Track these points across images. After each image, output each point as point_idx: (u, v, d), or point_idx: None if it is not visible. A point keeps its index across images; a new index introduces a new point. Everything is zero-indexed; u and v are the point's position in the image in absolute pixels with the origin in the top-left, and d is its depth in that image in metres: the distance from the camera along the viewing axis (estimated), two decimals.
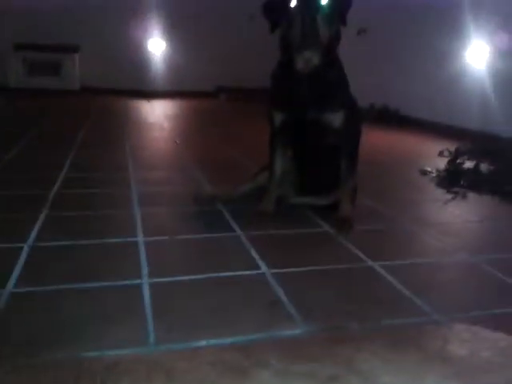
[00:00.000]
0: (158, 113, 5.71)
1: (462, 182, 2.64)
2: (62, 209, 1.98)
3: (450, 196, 2.43)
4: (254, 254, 1.59)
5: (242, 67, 7.78)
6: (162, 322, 1.17)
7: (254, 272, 1.46)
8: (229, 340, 1.11)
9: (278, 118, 1.90)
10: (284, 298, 1.30)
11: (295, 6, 1.70)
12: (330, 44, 1.77)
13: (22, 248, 1.57)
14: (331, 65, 1.83)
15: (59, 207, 2.00)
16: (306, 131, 1.90)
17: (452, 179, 2.68)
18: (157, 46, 7.83)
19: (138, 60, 7.72)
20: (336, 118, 1.84)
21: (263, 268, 1.48)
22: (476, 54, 4.37)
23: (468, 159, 3.20)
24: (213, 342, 1.10)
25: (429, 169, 2.94)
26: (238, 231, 1.79)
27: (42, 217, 1.87)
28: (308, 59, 1.76)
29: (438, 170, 2.88)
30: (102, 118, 5.13)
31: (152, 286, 1.35)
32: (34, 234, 1.68)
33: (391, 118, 5.26)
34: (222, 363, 0.99)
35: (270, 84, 1.96)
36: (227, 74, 7.89)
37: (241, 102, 7.09)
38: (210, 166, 2.91)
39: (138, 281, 1.37)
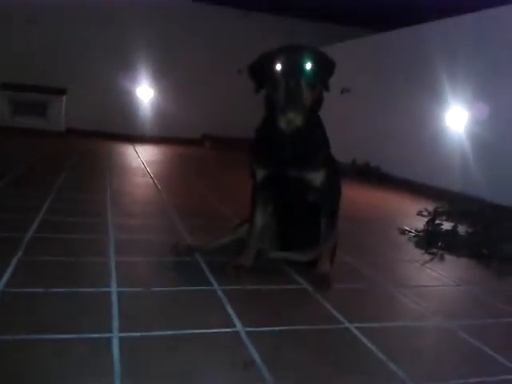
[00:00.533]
0: (143, 158, 5.73)
1: (439, 244, 2.66)
2: (36, 253, 1.93)
3: (427, 257, 2.45)
4: (229, 310, 1.56)
5: (228, 117, 7.93)
6: (129, 381, 1.12)
7: (229, 330, 1.43)
8: None
9: (260, 173, 1.92)
10: (258, 360, 1.27)
11: (280, 70, 1.76)
12: (312, 106, 1.83)
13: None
14: (313, 125, 1.88)
15: (33, 251, 1.95)
16: (287, 188, 1.91)
17: (430, 240, 2.71)
18: (145, 93, 7.95)
19: (125, 105, 7.82)
20: (317, 177, 1.86)
21: (238, 326, 1.45)
22: (455, 118, 4.52)
23: (446, 220, 3.25)
24: None
25: (407, 228, 2.97)
26: (215, 285, 1.76)
27: (14, 260, 1.82)
28: (291, 120, 1.82)
29: (416, 230, 2.91)
30: (86, 160, 5.12)
31: (122, 340, 1.31)
32: (5, 279, 1.64)
33: (372, 175, 5.36)
34: None
35: (253, 138, 1.99)
36: (213, 122, 8.02)
37: (224, 150, 7.17)
38: (191, 213, 2.90)
39: (108, 334, 1.33)
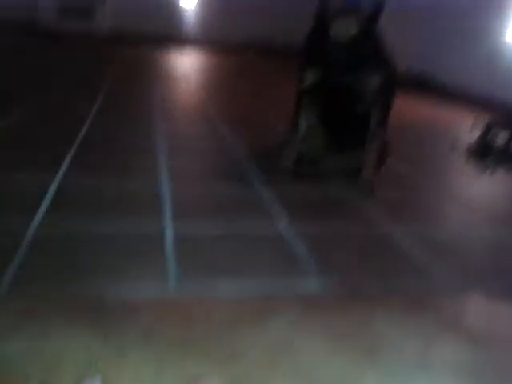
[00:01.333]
0: (186, 65, 5.66)
1: (492, 157, 2.58)
2: (89, 149, 2.00)
3: (479, 170, 2.38)
4: (275, 210, 1.59)
5: (276, 23, 7.60)
6: (182, 266, 1.19)
7: (274, 228, 1.47)
8: (247, 289, 1.12)
9: (310, 76, 1.86)
10: (303, 255, 1.31)
11: None
12: (370, 15, 1.72)
13: (50, 184, 1.60)
14: (369, 35, 1.78)
15: (87, 148, 2.03)
16: (337, 96, 1.86)
17: (483, 153, 2.62)
18: None
19: (171, 9, 7.62)
20: (370, 82, 1.80)
21: (283, 224, 1.49)
22: None
23: (501, 133, 3.12)
24: (231, 289, 1.12)
25: (461, 140, 2.87)
26: (261, 187, 1.79)
27: (69, 155, 1.89)
28: (345, 28, 1.72)
29: (469, 143, 2.82)
30: (130, 67, 5.10)
31: (175, 228, 1.37)
32: (62, 171, 1.72)
33: (427, 84, 5.13)
34: (238, 310, 1.01)
35: (304, 45, 1.91)
36: (260, 28, 7.72)
37: (270, 58, 6.98)
38: (238, 121, 2.89)
39: (161, 223, 1.40)
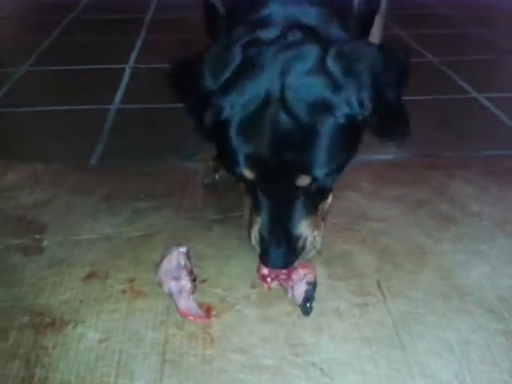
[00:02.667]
0: None
1: None
2: (156, 33, 1.99)
3: None
4: None
5: None
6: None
7: None
8: None
9: None
10: None
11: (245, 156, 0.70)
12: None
13: (124, 69, 1.63)
14: None
15: (154, 32, 2.01)
16: None
17: None
18: None
19: None
20: None
21: None
22: None
23: None
24: None
25: None
26: None
27: (139, 40, 1.90)
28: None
29: None
30: None
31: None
32: (133, 57, 1.74)
33: None
34: None
35: None
36: None
37: None
38: None
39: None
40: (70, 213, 0.94)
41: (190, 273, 0.74)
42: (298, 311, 0.70)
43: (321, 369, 0.62)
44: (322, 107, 0.63)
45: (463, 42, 1.79)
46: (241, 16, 0.75)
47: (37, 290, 0.76)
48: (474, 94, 1.45)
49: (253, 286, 0.75)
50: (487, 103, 1.40)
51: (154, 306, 0.72)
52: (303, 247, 0.71)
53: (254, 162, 0.65)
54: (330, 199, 0.80)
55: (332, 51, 0.65)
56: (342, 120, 0.64)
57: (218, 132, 0.69)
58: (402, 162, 1.11)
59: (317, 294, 0.71)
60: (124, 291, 0.75)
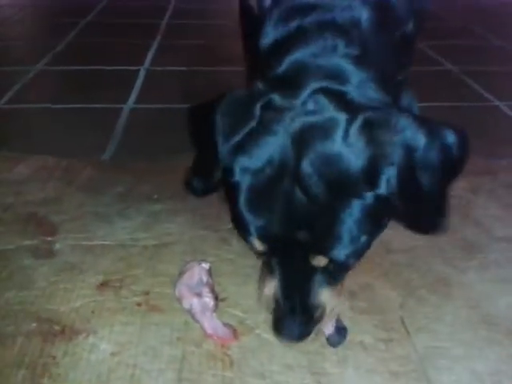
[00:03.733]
0: None
1: None
2: (172, 38, 1.98)
3: None
4: None
5: None
6: None
7: None
8: None
9: None
10: None
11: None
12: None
13: (139, 70, 1.61)
14: None
15: (170, 36, 2.00)
16: None
17: None
18: None
19: None
20: None
21: None
22: None
23: None
24: None
25: None
26: None
27: (155, 43, 1.88)
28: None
29: None
30: None
31: None
32: (149, 59, 1.72)
33: None
34: None
35: None
36: None
37: None
38: None
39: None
40: (82, 214, 0.91)
41: (212, 290, 0.71)
42: (321, 340, 0.66)
43: None
44: (342, 185, 0.56)
45: (484, 53, 1.80)
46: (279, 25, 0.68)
47: (47, 296, 0.72)
48: (496, 102, 1.45)
49: None
50: (510, 112, 1.39)
51: (170, 321, 0.69)
52: (320, 317, 0.63)
53: (265, 236, 0.59)
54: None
55: (359, 120, 0.56)
56: (365, 201, 0.56)
57: (227, 193, 0.63)
58: None
59: None
60: (139, 304, 0.71)
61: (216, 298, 0.70)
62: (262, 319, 0.69)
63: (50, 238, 0.84)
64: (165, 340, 0.66)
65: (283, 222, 0.57)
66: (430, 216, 0.62)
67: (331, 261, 0.58)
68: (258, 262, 0.72)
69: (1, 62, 1.68)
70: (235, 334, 0.67)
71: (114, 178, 1.02)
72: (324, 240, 0.57)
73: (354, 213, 0.56)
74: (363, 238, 0.58)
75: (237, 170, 0.59)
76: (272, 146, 0.57)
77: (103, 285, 0.74)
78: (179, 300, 0.70)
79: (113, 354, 0.64)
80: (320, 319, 0.63)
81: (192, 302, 0.68)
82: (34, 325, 0.67)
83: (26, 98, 1.40)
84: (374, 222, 0.59)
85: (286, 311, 0.62)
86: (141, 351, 0.64)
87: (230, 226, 0.86)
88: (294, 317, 0.61)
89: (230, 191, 0.61)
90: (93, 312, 0.70)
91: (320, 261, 0.59)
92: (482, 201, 0.98)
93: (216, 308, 0.69)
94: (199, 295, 0.69)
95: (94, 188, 0.98)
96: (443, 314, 0.73)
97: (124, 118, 1.29)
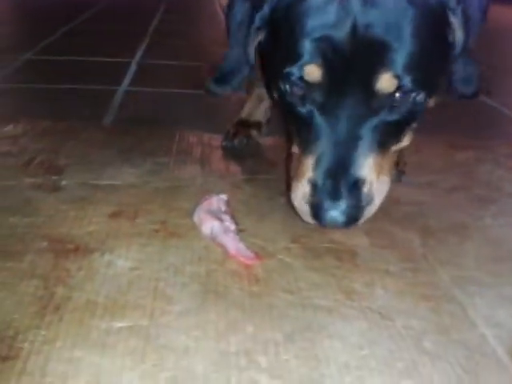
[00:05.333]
0: None
1: None
2: (160, 38, 2.02)
3: None
4: None
5: None
6: None
7: None
8: None
9: None
10: None
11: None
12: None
13: (130, 63, 1.62)
14: None
15: (158, 37, 2.04)
16: None
17: None
18: None
19: None
20: None
21: None
22: None
23: None
24: None
25: None
26: None
27: (146, 40, 1.92)
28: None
29: None
30: None
31: None
32: (140, 53, 1.74)
33: None
34: None
35: None
36: None
37: None
38: None
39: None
40: (88, 160, 0.87)
41: (232, 217, 0.69)
42: (347, 265, 0.65)
43: (379, 313, 0.57)
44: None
45: None
46: None
47: (56, 221, 0.69)
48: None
49: (293, 241, 0.69)
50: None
51: (190, 245, 0.66)
52: (369, 198, 0.57)
53: (323, 50, 0.52)
54: (407, 140, 0.64)
55: None
56: (430, 18, 0.56)
57: (275, 21, 0.59)
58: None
59: (362, 256, 0.67)
60: (157, 230, 0.68)
61: (236, 224, 0.68)
62: (283, 247, 0.67)
63: (54, 177, 0.80)
64: (186, 260, 0.63)
65: (347, 26, 0.53)
66: (470, 76, 0.66)
67: (398, 86, 0.54)
68: (273, 203, 0.71)
69: None
70: (258, 255, 0.64)
71: (117, 138, 1.00)
72: (392, 50, 0.53)
73: (420, 26, 0.54)
74: (428, 64, 0.56)
75: None
76: None
77: (116, 214, 0.71)
78: (199, 226, 0.67)
79: (132, 269, 0.60)
80: (369, 201, 0.59)
81: (213, 225, 0.66)
82: (45, 243, 0.63)
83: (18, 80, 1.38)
84: (442, 57, 0.61)
85: (330, 189, 0.55)
86: (163, 267, 0.61)
87: (242, 176, 0.87)
88: (339, 197, 0.55)
89: (281, 21, 0.58)
90: (107, 235, 0.66)
91: (386, 82, 0.53)
92: (487, 167, 1.00)
93: (237, 233, 0.67)
94: (220, 219, 0.66)
95: (97, 144, 0.95)
96: (466, 250, 0.72)
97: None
